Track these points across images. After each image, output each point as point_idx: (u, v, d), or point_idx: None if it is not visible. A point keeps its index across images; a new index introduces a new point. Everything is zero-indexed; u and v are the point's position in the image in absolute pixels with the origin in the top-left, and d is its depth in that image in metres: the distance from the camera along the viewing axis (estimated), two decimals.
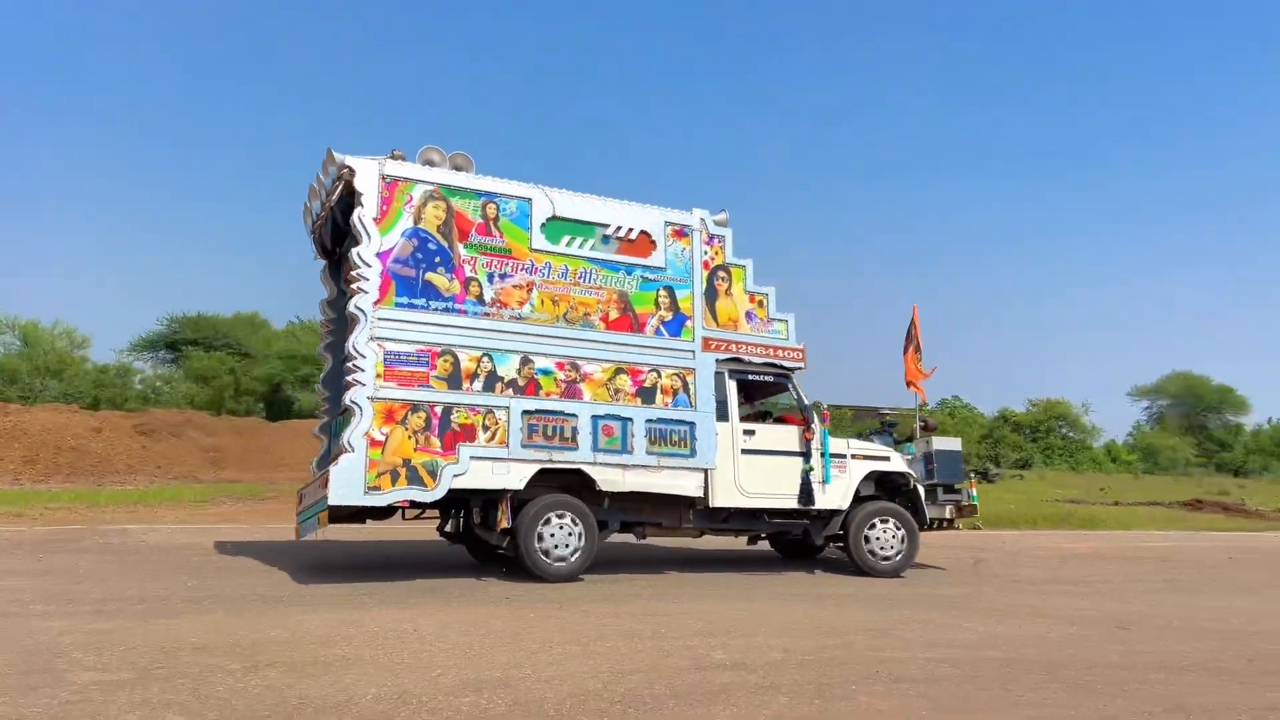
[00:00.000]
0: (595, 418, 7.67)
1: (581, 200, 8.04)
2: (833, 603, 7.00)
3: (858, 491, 8.79)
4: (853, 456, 8.73)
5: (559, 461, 7.49)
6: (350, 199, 7.43)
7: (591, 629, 5.44)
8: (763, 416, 9.25)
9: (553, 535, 7.41)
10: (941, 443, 9.39)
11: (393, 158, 7.50)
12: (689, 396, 8.09)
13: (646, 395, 7.93)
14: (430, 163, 7.67)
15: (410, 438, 7.04)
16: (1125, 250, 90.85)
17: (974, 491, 9.49)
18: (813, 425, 8.49)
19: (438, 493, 7.04)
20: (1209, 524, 19.76)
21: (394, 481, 6.93)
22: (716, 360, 8.27)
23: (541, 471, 7.46)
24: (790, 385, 8.67)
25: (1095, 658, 5.17)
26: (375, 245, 7.22)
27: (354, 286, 7.14)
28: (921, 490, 9.02)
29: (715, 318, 8.37)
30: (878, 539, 8.64)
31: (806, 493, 8.36)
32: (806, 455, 8.46)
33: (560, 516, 7.46)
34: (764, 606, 6.64)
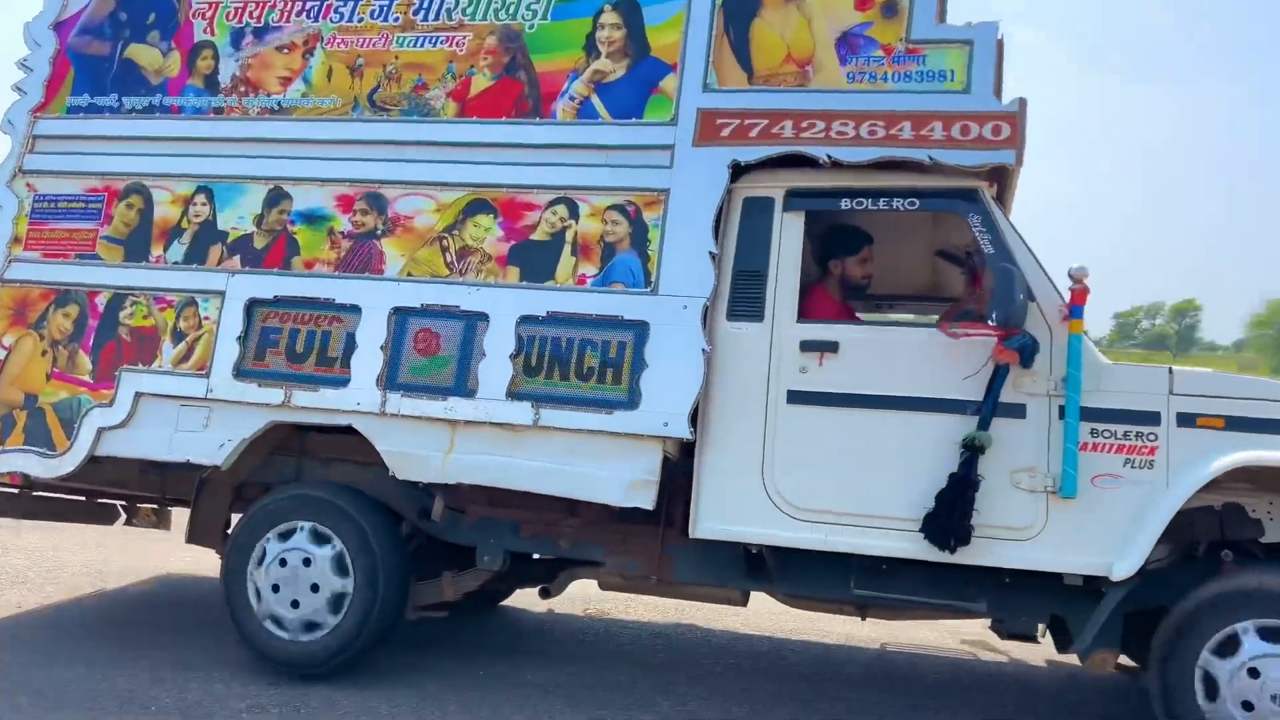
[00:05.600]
0: (402, 313, 3.35)
1: None
2: None
3: (1224, 528, 2.90)
4: (1182, 420, 2.81)
5: (305, 407, 3.38)
6: None
7: None
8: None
9: (276, 575, 3.35)
10: None
11: None
12: (645, 261, 3.23)
13: (534, 258, 3.32)
14: None
15: (46, 353, 3.67)
16: None
17: None
18: (1021, 320, 2.87)
19: (69, 462, 3.51)
20: None
21: (6, 436, 3.63)
22: (734, 165, 3.22)
23: (279, 428, 3.47)
24: (974, 217, 3.10)
25: None
26: (53, 12, 3.99)
27: (14, 87, 4.01)
28: None
29: (745, 61, 3.30)
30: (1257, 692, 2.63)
31: (955, 512, 2.83)
32: (991, 409, 2.90)
33: (322, 542, 3.36)
34: None
